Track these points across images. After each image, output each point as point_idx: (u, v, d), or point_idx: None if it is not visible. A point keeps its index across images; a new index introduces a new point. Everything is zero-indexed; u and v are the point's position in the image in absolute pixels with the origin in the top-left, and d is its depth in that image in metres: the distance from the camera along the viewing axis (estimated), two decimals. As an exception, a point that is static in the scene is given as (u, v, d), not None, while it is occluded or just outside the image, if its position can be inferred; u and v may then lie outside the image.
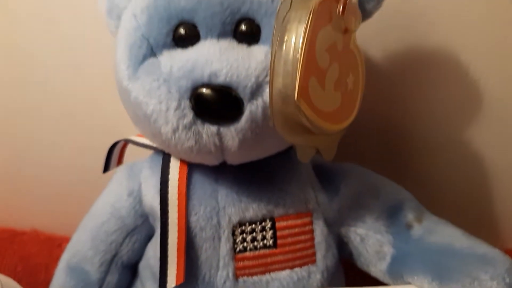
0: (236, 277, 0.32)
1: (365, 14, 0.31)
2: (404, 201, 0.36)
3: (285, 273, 0.32)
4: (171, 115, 0.27)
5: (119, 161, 0.41)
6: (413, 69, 0.42)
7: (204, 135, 0.28)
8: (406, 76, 0.43)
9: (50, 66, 0.51)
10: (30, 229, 0.54)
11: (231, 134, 0.27)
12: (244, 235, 0.32)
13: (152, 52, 0.29)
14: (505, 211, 0.46)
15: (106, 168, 0.40)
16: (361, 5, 0.30)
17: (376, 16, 0.32)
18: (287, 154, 0.34)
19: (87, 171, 0.51)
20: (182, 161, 0.33)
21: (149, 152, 0.37)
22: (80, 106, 0.51)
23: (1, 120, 0.54)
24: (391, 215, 0.35)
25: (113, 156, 0.40)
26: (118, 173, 0.38)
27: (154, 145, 0.35)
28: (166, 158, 0.33)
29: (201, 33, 0.29)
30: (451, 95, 0.43)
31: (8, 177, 0.57)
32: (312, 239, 0.33)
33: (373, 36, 0.39)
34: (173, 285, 0.31)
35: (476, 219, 0.46)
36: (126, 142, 0.39)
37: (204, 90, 0.27)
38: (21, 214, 0.56)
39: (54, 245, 0.50)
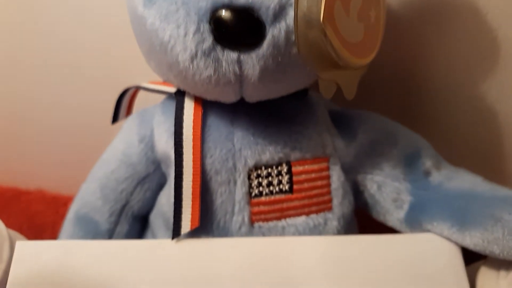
0: (251, 222, 0.31)
1: None
2: (422, 149, 0.35)
3: (301, 219, 0.32)
4: (189, 40, 0.26)
5: (128, 111, 0.40)
6: (433, 18, 0.41)
7: (223, 63, 0.26)
8: (425, 23, 0.41)
9: (54, 16, 0.49)
10: (36, 189, 0.53)
11: (252, 61, 0.26)
12: (260, 179, 0.31)
13: None
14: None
15: (115, 119, 0.39)
16: None
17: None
18: (304, 98, 0.33)
19: (93, 128, 0.50)
20: (197, 102, 0.31)
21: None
22: (85, 58, 0.49)
23: (1, 77, 0.53)
24: (409, 162, 0.34)
25: (122, 106, 0.39)
26: (129, 120, 0.36)
27: (167, 89, 0.33)
28: (180, 99, 0.31)
29: None
30: (470, 46, 0.42)
31: (9, 137, 0.56)
32: (329, 185, 0.32)
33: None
34: (188, 230, 0.30)
35: (492, 169, 0.45)
36: (137, 89, 0.38)
37: (224, 11, 0.25)
38: (26, 175, 0.56)
39: (60, 203, 0.50)
